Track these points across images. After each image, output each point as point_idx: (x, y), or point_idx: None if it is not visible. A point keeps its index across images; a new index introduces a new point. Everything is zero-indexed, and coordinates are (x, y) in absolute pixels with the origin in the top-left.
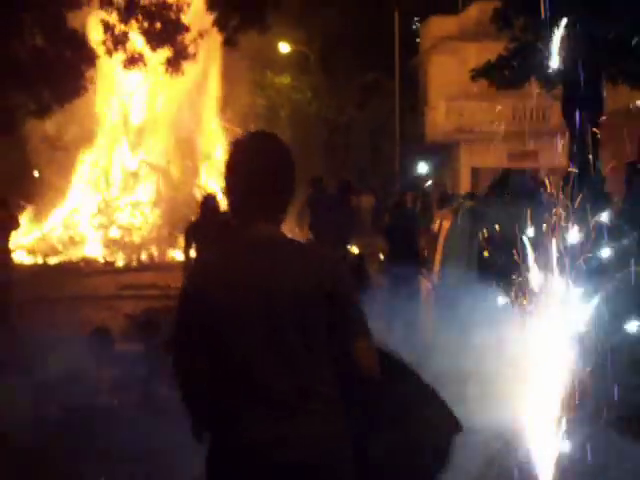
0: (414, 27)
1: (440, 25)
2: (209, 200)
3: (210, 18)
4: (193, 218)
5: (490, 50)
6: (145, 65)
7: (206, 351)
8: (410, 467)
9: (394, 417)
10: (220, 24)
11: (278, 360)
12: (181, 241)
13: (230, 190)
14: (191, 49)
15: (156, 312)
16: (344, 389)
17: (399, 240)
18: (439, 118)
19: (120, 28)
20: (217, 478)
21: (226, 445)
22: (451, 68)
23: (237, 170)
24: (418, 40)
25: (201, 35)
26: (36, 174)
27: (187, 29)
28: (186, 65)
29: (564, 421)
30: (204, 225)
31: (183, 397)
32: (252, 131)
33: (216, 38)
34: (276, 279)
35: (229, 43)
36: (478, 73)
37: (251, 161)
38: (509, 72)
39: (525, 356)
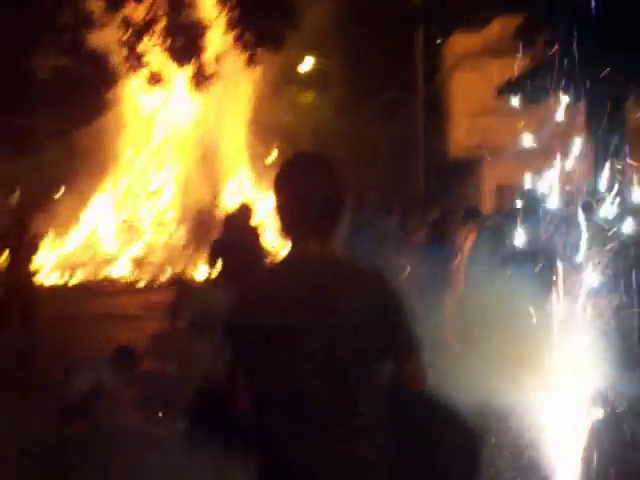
0: (438, 42)
1: (463, 42)
2: (233, 217)
3: (231, 37)
4: (218, 235)
5: (513, 66)
6: (167, 84)
7: (251, 367)
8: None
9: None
10: (239, 43)
11: (329, 376)
12: (205, 259)
13: (281, 210)
14: (214, 67)
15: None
16: (391, 404)
17: (434, 257)
18: (462, 135)
19: (140, 47)
20: None
21: (273, 463)
22: (474, 85)
23: (288, 191)
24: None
25: (223, 54)
26: (58, 194)
27: (204, 47)
28: (210, 83)
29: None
30: (228, 242)
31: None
32: (300, 151)
33: (240, 56)
34: (328, 297)
35: (250, 63)
36: (502, 90)
37: (302, 181)
38: (532, 88)
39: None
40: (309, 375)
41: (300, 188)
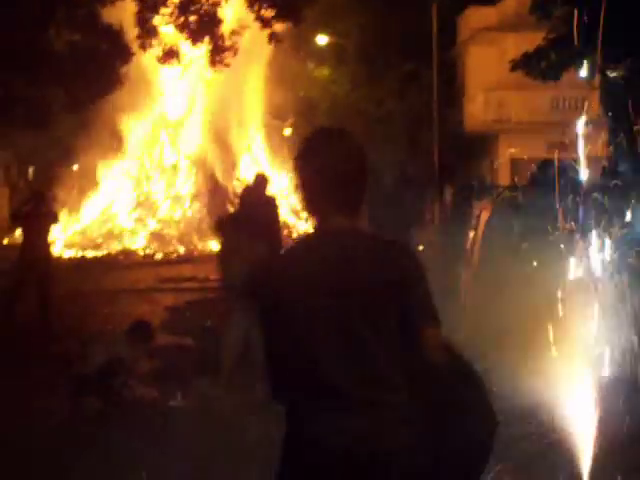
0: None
1: (478, 16)
2: (249, 190)
3: (248, 12)
4: (232, 210)
5: (529, 40)
6: (179, 60)
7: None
8: (461, 463)
9: (453, 413)
10: (260, 18)
11: (347, 352)
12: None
13: (304, 186)
14: (231, 42)
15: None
16: (411, 381)
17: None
18: (477, 109)
19: (153, 22)
20: (287, 468)
21: (294, 437)
22: (489, 59)
23: (311, 166)
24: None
25: (242, 28)
26: (75, 167)
27: (220, 22)
28: (232, 57)
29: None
30: (243, 217)
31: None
32: (322, 127)
33: (255, 31)
34: (347, 272)
35: (273, 39)
36: (517, 65)
37: (325, 157)
38: (547, 63)
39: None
40: (325, 346)
41: (323, 162)
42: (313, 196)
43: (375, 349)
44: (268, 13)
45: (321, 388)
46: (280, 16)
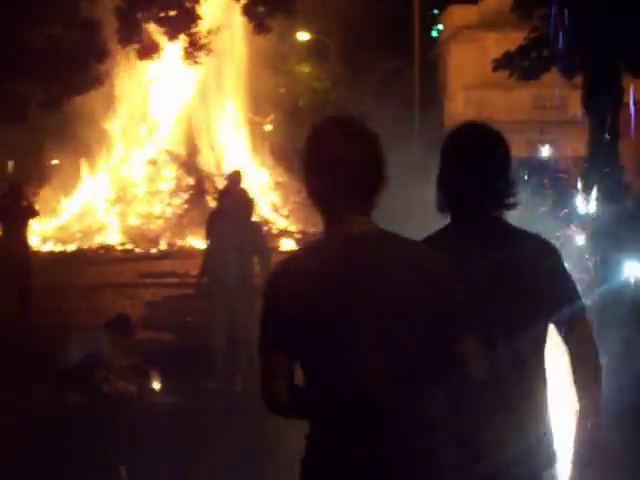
0: (434, 13)
1: (460, 14)
2: (226, 189)
3: (230, 8)
4: (214, 206)
5: (510, 39)
6: (159, 56)
7: (294, 353)
8: None
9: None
10: (249, 12)
11: (386, 363)
12: (201, 230)
13: (317, 184)
14: (208, 40)
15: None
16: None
17: None
18: (458, 107)
19: (133, 17)
20: None
21: (323, 454)
22: (470, 57)
23: (325, 161)
24: (437, 29)
25: (218, 29)
26: (54, 162)
27: (199, 18)
28: (206, 55)
29: None
30: (224, 213)
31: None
32: (333, 116)
33: (237, 28)
34: (383, 278)
35: (261, 29)
36: (499, 64)
37: (341, 149)
38: (529, 62)
39: None
40: (364, 358)
41: (339, 155)
42: (327, 194)
43: (415, 360)
44: (259, 8)
45: (361, 404)
46: (273, 9)
